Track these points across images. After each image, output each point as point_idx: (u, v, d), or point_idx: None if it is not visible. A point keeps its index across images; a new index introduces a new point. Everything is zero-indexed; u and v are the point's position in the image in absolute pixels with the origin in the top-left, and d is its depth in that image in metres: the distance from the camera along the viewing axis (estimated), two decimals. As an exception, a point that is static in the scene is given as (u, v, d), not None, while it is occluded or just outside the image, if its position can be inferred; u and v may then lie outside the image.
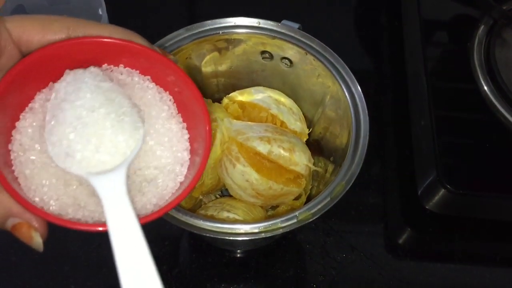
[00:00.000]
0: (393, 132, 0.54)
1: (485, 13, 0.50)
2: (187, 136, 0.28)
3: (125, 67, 0.27)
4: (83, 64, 0.26)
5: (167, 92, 0.28)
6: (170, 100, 0.28)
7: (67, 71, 0.25)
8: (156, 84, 0.28)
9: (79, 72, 0.25)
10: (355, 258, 0.46)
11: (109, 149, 0.24)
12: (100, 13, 0.43)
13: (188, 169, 0.27)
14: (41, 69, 0.25)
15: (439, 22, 0.55)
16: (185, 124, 0.28)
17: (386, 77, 0.58)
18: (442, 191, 0.44)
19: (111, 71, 0.27)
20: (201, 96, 0.27)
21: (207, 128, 0.26)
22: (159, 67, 0.27)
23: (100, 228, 0.23)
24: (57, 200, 0.24)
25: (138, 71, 0.27)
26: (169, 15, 0.60)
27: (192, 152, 0.27)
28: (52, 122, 0.24)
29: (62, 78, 0.25)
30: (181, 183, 0.26)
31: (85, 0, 0.45)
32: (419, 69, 0.51)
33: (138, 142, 0.25)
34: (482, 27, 0.50)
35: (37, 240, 0.23)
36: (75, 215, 0.24)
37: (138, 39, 0.26)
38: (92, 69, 0.26)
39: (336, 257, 0.46)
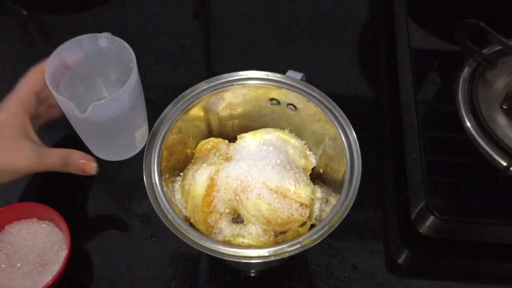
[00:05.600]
0: (391, 162, 0.58)
1: (469, 56, 0.56)
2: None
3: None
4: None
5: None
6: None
7: None
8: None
9: None
10: (357, 276, 0.50)
11: None
12: (131, 65, 0.49)
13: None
14: None
15: (429, 62, 0.60)
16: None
17: (385, 111, 0.64)
18: (431, 218, 0.48)
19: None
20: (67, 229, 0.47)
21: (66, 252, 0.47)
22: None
23: None
24: None
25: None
26: (189, 72, 0.66)
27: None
28: None
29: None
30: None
31: (118, 53, 0.51)
32: (411, 106, 0.56)
33: None
34: (466, 68, 0.55)
35: (95, 166, 0.48)
36: None
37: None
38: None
39: (340, 276, 0.50)
